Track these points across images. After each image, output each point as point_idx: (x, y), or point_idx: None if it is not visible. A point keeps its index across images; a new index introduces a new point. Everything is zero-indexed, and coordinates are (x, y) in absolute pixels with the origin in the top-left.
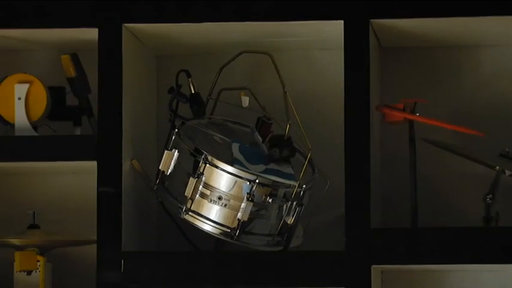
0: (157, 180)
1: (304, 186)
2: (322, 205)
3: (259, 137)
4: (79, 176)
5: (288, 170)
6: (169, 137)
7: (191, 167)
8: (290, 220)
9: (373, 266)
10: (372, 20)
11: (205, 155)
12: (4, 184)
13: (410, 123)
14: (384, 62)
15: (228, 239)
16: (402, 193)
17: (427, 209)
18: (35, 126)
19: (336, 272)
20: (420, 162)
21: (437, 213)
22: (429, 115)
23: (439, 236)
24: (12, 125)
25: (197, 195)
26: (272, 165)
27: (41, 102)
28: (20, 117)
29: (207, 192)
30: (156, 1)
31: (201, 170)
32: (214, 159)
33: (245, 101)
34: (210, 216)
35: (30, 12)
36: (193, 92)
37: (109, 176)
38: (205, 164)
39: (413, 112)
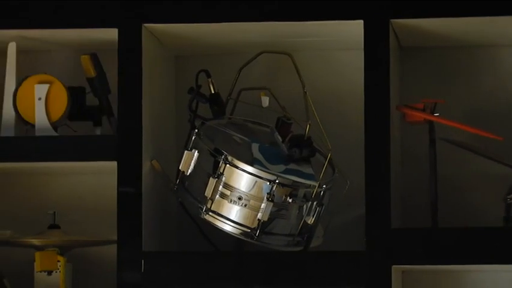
0: (177, 181)
1: (324, 186)
2: (343, 205)
3: (279, 137)
4: (99, 176)
5: (308, 170)
6: (189, 137)
7: (211, 167)
8: (310, 220)
9: (394, 266)
10: (391, 20)
11: (225, 155)
12: (24, 184)
13: (431, 123)
14: (403, 62)
15: (248, 239)
16: (422, 193)
17: (447, 209)
18: (55, 126)
19: (356, 272)
20: (440, 162)
21: (458, 213)
22: (449, 115)
23: (460, 236)
24: (33, 126)
25: (217, 196)
26: (292, 166)
27: (61, 103)
28: (40, 118)
29: (227, 192)
30: (176, 1)
31: (221, 170)
32: (234, 159)
33: (265, 101)
34: (230, 217)
35: (50, 13)
36: (213, 92)
37: (129, 176)
38: (225, 164)
39: (433, 112)
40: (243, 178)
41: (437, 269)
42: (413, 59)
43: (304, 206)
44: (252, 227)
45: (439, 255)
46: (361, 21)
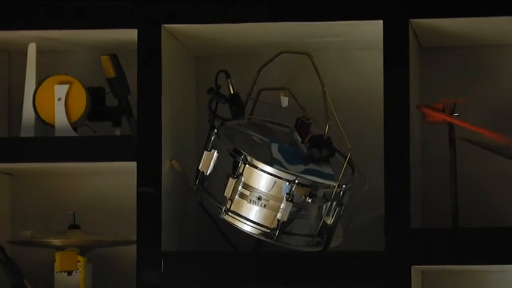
0: (197, 181)
1: (343, 186)
2: (362, 205)
3: (299, 137)
4: (119, 176)
5: (327, 170)
6: (209, 137)
7: (230, 168)
8: (330, 220)
9: (414, 267)
10: (411, 20)
11: (245, 155)
12: (44, 185)
13: (450, 123)
14: (423, 62)
15: (268, 240)
16: (442, 193)
17: (468, 209)
18: (74, 126)
19: (375, 273)
20: (460, 162)
21: (478, 213)
22: (469, 115)
23: (480, 236)
24: (52, 126)
25: (236, 196)
26: (311, 166)
27: (80, 103)
28: (59, 118)
29: (247, 192)
30: (196, 2)
31: (241, 171)
32: (253, 159)
33: (284, 101)
34: (250, 217)
35: (70, 13)
36: (232, 92)
37: (149, 176)
38: (245, 164)
39: (453, 112)
40: (262, 178)
41: (457, 269)
42: (433, 59)
43: (324, 206)
44: (272, 227)
45: (459, 256)
46: (381, 21)
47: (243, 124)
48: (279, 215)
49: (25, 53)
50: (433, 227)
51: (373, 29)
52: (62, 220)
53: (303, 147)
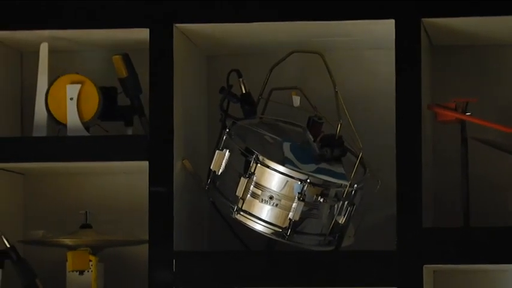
0: (209, 180)
1: (355, 185)
2: (374, 205)
3: (311, 137)
4: (131, 176)
5: (339, 169)
6: (221, 136)
7: (242, 167)
8: (341, 220)
9: (425, 266)
10: (423, 19)
11: (256, 154)
12: (56, 184)
13: (462, 122)
14: (435, 61)
15: (280, 239)
16: (454, 192)
17: (479, 208)
18: (86, 126)
19: (387, 272)
20: (472, 161)
21: (490, 213)
22: (481, 114)
23: (492, 235)
24: (64, 125)
25: (248, 195)
26: (323, 165)
27: (92, 103)
28: (72, 118)
29: (258, 192)
30: (207, 1)
31: (252, 170)
32: (265, 159)
33: (296, 100)
34: (262, 216)
35: (82, 13)
36: (244, 91)
37: (160, 175)
38: (257, 163)
39: (465, 111)
40: (274, 178)
41: (469, 269)
42: (445, 58)
43: (336, 206)
44: (283, 226)
45: (471, 255)
46: (393, 21)
47: (254, 123)
48: (290, 215)
49: (37, 53)
50: (444, 227)
51: (385, 28)
52: (74, 220)
53: (314, 146)
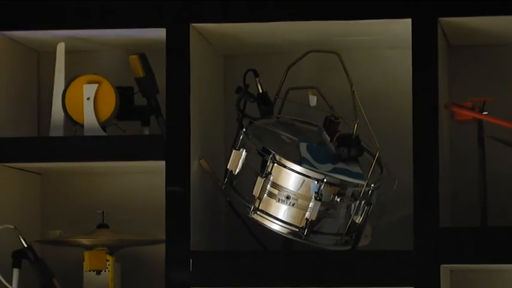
0: (226, 180)
1: (372, 185)
2: (391, 204)
3: (327, 136)
4: (147, 175)
5: (356, 169)
6: (237, 136)
7: (259, 167)
8: (358, 219)
9: (443, 266)
10: (440, 18)
11: (273, 154)
12: (73, 184)
13: (480, 121)
14: (452, 60)
15: (297, 239)
16: (471, 191)
17: (497, 207)
18: (103, 126)
19: (404, 272)
20: (489, 160)
21: (507, 212)
22: (498, 113)
23: (509, 234)
24: (81, 125)
25: (265, 195)
26: (340, 165)
27: (109, 102)
28: (88, 118)
29: (275, 191)
30: (224, 1)
31: (269, 170)
32: (282, 158)
33: (313, 100)
34: (278, 216)
35: (98, 13)
36: (260, 91)
37: (177, 175)
38: (273, 163)
39: (482, 110)
40: (291, 177)
41: (487, 268)
42: (462, 58)
43: (352, 205)
44: (300, 226)
45: (488, 254)
46: (409, 20)
47: (271, 123)
48: (307, 214)
49: (54, 53)
50: (462, 226)
51: (402, 28)
52: (90, 219)
53: (331, 146)
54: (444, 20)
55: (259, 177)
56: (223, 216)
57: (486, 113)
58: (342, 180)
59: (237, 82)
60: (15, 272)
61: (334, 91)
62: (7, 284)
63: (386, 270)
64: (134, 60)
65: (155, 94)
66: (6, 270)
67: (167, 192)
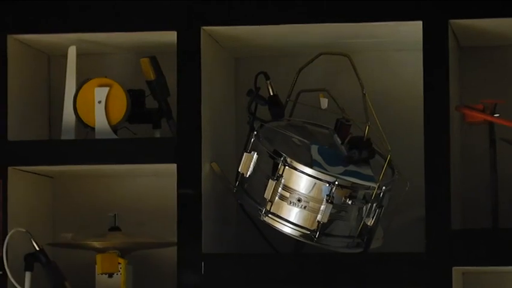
0: (237, 183)
1: (384, 187)
2: (402, 206)
3: (338, 139)
4: (159, 178)
5: (367, 171)
6: (248, 139)
7: (270, 169)
8: (370, 222)
9: (454, 268)
10: (450, 20)
11: (284, 157)
12: (85, 187)
13: (491, 123)
14: (463, 62)
15: (308, 241)
16: (483, 193)
17: (508, 209)
18: (114, 129)
19: (416, 274)
20: (501, 162)
21: None
22: (509, 115)
23: None
24: (93, 128)
25: (276, 197)
26: (351, 167)
27: (120, 106)
28: (100, 121)
29: (287, 194)
30: (234, 4)
31: (280, 172)
32: (293, 161)
33: (324, 102)
34: (290, 218)
35: (109, 16)
36: (271, 94)
37: (189, 178)
38: (285, 166)
39: (493, 112)
40: (302, 180)
41: (499, 270)
42: (473, 59)
43: (364, 208)
44: (312, 228)
45: (500, 256)
46: (420, 22)
47: (282, 126)
48: (319, 217)
49: (65, 56)
50: (473, 228)
51: (413, 30)
52: (102, 222)
53: (342, 148)
54: (455, 22)
55: (270, 180)
56: (235, 219)
57: (497, 115)
58: (353, 182)
59: (248, 85)
60: (28, 275)
61: (345, 93)
62: (19, 287)
63: (398, 273)
64: (145, 63)
65: (166, 97)
66: (18, 273)
67: (178, 195)
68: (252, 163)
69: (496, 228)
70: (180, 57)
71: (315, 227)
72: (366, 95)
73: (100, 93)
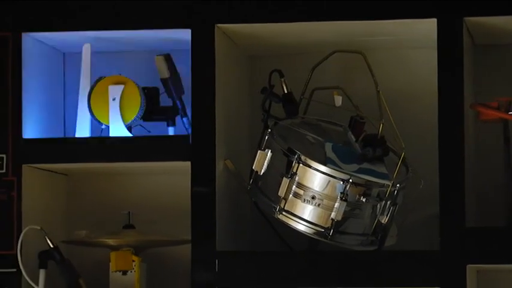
0: (251, 180)
1: (398, 185)
2: (416, 204)
3: (353, 137)
4: (173, 176)
5: (381, 169)
6: (263, 137)
7: (284, 167)
8: (384, 219)
9: (469, 266)
10: (465, 18)
11: (299, 154)
12: (99, 185)
13: (505, 121)
14: (477, 60)
15: (322, 239)
16: (497, 191)
17: None
18: (129, 127)
19: (430, 272)
20: None
21: None
22: None
23: None
24: (107, 126)
25: (290, 195)
26: (365, 165)
27: (135, 103)
28: (114, 118)
29: (301, 192)
30: (249, 2)
31: (294, 170)
32: (307, 158)
33: (338, 100)
34: (304, 216)
35: (124, 14)
36: (286, 91)
37: (203, 176)
38: (299, 163)
39: (508, 110)
40: (316, 177)
41: None
42: (488, 57)
43: (378, 205)
44: (326, 226)
45: None
46: (435, 20)
47: (296, 123)
48: (333, 214)
49: (80, 54)
50: (488, 226)
51: (427, 28)
52: (116, 220)
53: (356, 146)
54: (469, 20)
55: (284, 178)
56: (249, 217)
57: None
58: (367, 180)
59: (262, 82)
60: (42, 272)
61: (359, 91)
62: (34, 285)
63: (412, 271)
64: (160, 61)
65: (181, 95)
66: (32, 271)
67: (193, 193)
68: (266, 161)
69: (510, 226)
70: (195, 55)
71: (329, 224)
72: (380, 92)
73: (114, 91)
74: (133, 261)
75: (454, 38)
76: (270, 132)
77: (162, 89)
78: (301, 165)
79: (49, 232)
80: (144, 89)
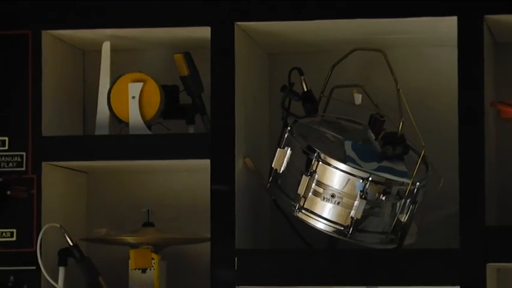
0: (270, 178)
1: (417, 183)
2: (436, 202)
3: (372, 135)
4: (192, 174)
5: (401, 167)
6: (282, 134)
7: (304, 165)
8: (404, 218)
9: (489, 264)
10: (486, 16)
11: (318, 152)
12: (119, 182)
13: None
14: (498, 58)
15: (341, 237)
16: None
17: None
18: (148, 124)
19: (450, 271)
20: None
21: None
22: None
23: None
24: (127, 124)
25: (310, 193)
26: (385, 163)
27: (154, 101)
28: (134, 116)
29: (320, 190)
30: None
31: (314, 168)
32: (327, 156)
33: (358, 98)
34: (323, 214)
35: (143, 12)
36: (305, 89)
37: (222, 174)
38: (318, 161)
39: None
40: (335, 176)
41: None
42: (508, 55)
43: (398, 204)
44: (345, 224)
45: None
46: (455, 18)
47: (316, 121)
48: (352, 213)
49: (99, 52)
50: (508, 225)
51: (448, 26)
52: (136, 218)
53: (376, 144)
54: (490, 18)
55: (304, 176)
56: (268, 215)
57: None
58: (387, 178)
59: (282, 80)
60: (61, 270)
61: (379, 89)
62: (53, 282)
63: (431, 269)
64: (179, 58)
65: (200, 93)
66: (52, 269)
67: (212, 191)
68: (285, 159)
69: None
70: (214, 53)
71: (348, 222)
72: (400, 90)
73: (134, 89)
74: (152, 259)
75: (475, 36)
76: (289, 130)
77: (181, 87)
78: (320, 163)
79: (69, 230)
80: (163, 86)
